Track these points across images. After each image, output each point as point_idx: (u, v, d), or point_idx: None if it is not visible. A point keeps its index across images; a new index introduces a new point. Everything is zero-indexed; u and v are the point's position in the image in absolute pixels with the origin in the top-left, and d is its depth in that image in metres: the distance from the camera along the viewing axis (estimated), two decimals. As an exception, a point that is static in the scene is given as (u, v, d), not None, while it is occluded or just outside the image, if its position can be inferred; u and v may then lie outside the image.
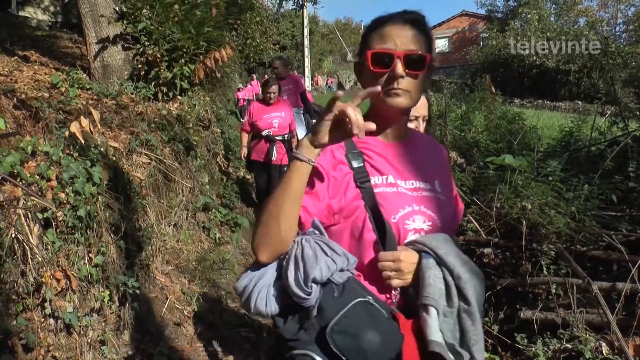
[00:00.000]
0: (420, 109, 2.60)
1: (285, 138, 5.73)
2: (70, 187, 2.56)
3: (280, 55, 6.80)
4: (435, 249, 1.23)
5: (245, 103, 14.84)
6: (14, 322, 2.10)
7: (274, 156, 5.62)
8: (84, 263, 2.56)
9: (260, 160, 5.73)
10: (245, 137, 6.10)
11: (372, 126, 1.11)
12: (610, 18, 32.71)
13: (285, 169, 5.48)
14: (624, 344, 2.41)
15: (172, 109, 5.06)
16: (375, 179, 1.28)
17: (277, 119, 5.64)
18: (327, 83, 32.21)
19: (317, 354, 1.10)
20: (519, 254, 3.15)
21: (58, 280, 2.34)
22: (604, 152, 4.45)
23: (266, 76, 7.32)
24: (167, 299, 3.47)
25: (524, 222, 3.15)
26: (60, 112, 3.34)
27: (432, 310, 1.18)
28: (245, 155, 6.05)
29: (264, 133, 5.58)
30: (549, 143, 5.67)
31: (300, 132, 6.19)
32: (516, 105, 16.39)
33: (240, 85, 17.13)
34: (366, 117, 1.22)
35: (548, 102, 23.29)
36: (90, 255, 2.63)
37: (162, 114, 4.71)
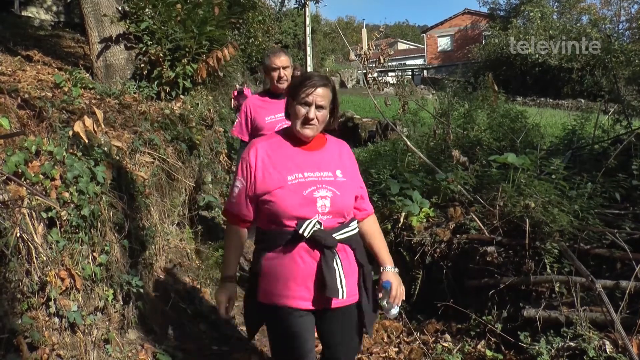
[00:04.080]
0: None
1: (352, 232, 2.02)
2: (74, 187, 2.57)
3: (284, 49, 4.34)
4: None
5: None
6: (19, 321, 2.12)
7: (342, 289, 1.90)
8: (88, 262, 2.57)
9: (307, 308, 1.95)
10: (235, 240, 2.10)
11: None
12: (613, 15, 32.65)
13: (371, 317, 1.98)
14: (628, 342, 2.41)
15: (174, 108, 5.07)
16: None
17: (326, 187, 1.94)
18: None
19: None
20: (522, 252, 3.15)
21: (62, 279, 2.35)
22: (607, 150, 4.43)
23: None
24: (170, 297, 3.48)
25: (527, 220, 3.15)
26: (64, 111, 3.35)
27: None
28: (226, 306, 2.09)
29: (304, 231, 1.86)
30: (551, 141, 5.64)
31: None
32: (519, 103, 16.36)
33: (247, 90, 13.76)
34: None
35: (551, 100, 23.22)
36: (94, 254, 2.64)
37: (165, 113, 4.72)
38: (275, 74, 3.35)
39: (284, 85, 3.30)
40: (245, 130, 3.50)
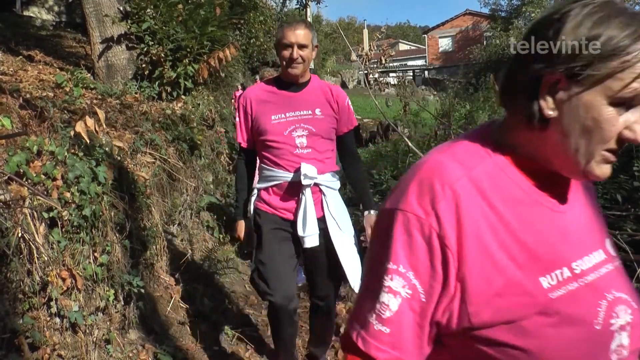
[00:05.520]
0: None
1: None
2: (76, 187, 2.57)
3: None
4: None
5: None
6: (20, 321, 2.11)
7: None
8: (89, 262, 2.57)
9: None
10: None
11: None
12: (614, 17, 32.65)
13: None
14: (629, 344, 2.40)
15: (176, 108, 5.07)
16: None
17: (614, 296, 0.88)
18: None
19: None
20: (523, 253, 3.14)
21: (64, 279, 2.35)
22: (608, 151, 4.43)
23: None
24: (171, 298, 3.48)
25: (528, 221, 3.14)
26: (65, 111, 3.36)
27: None
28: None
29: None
30: (553, 142, 5.65)
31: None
32: (520, 105, 16.31)
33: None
34: None
35: (552, 101, 23.22)
36: (96, 254, 2.64)
37: (167, 113, 4.73)
38: (287, 53, 2.27)
39: (296, 70, 2.30)
40: (245, 133, 2.49)
